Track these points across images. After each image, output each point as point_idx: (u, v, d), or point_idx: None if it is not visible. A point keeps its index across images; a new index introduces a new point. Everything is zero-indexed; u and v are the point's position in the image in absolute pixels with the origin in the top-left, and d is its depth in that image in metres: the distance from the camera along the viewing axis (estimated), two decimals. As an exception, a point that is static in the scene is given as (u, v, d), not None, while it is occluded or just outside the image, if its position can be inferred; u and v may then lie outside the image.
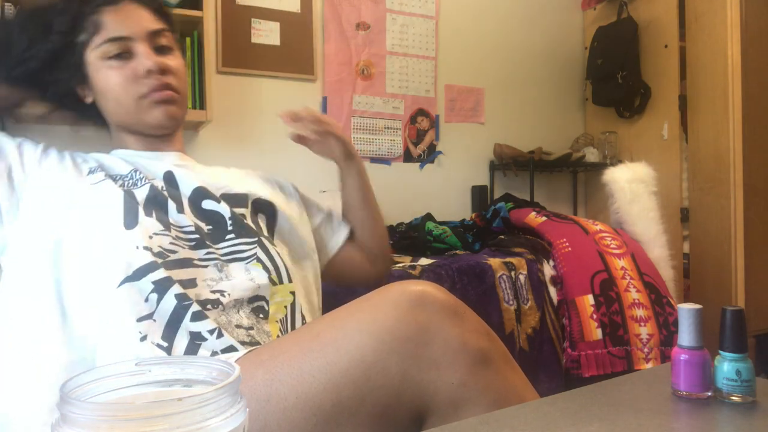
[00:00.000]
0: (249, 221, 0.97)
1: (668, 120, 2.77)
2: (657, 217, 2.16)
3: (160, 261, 0.82)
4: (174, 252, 0.85)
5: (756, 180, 2.53)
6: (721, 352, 0.65)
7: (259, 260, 0.92)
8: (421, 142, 2.73)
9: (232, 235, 0.92)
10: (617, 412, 0.61)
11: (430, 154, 2.76)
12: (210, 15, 2.09)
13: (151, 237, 0.83)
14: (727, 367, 0.64)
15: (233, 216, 0.93)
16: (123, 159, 0.95)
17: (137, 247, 0.82)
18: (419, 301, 0.67)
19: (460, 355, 0.66)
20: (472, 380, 0.66)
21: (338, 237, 1.17)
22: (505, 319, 1.81)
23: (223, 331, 0.81)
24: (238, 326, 0.85)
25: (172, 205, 0.89)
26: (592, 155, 2.93)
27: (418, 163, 2.74)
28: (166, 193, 0.91)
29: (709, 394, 0.65)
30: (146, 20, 0.94)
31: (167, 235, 0.85)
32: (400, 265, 1.85)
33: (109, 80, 0.91)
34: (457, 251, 2.14)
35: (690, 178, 2.71)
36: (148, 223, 0.84)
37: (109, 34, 0.90)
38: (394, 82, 2.66)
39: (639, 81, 2.84)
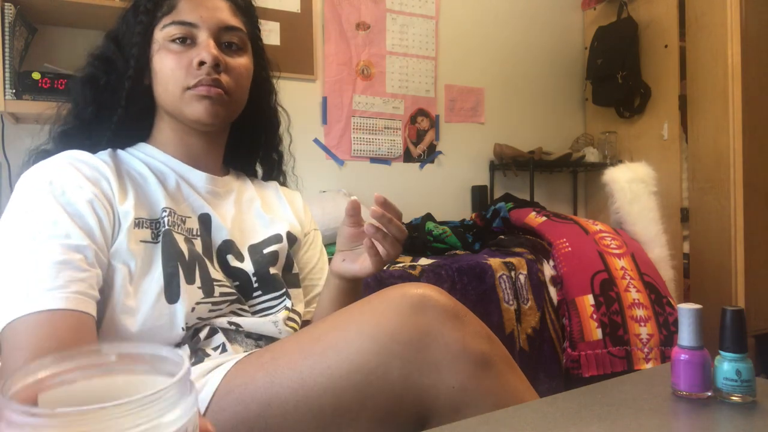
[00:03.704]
0: (277, 269, 0.93)
1: (668, 120, 2.77)
2: (657, 217, 2.16)
3: (193, 334, 0.81)
4: (209, 318, 0.83)
5: (756, 180, 2.53)
6: (721, 352, 0.65)
7: (286, 308, 0.91)
8: (421, 142, 2.73)
9: (259, 292, 0.89)
10: (617, 412, 0.61)
11: (430, 154, 2.76)
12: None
13: (193, 309, 0.79)
14: (727, 367, 0.64)
15: (258, 271, 0.90)
16: (157, 176, 0.88)
17: (181, 328, 0.78)
18: (420, 304, 0.67)
19: (461, 359, 0.66)
20: (473, 384, 0.66)
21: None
22: (505, 319, 1.81)
23: (228, 346, 0.82)
24: (248, 336, 0.85)
25: (207, 263, 0.84)
26: (592, 155, 2.93)
27: (418, 163, 2.74)
28: (200, 244, 0.86)
29: (709, 394, 0.65)
30: (221, 12, 0.88)
31: (208, 301, 0.81)
32: (400, 265, 1.85)
33: (164, 63, 0.85)
34: (457, 251, 2.14)
35: (690, 178, 2.71)
36: (191, 292, 0.79)
37: (177, 16, 0.86)
38: (394, 82, 2.66)
39: (639, 81, 2.84)
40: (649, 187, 2.19)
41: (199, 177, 0.91)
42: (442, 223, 2.31)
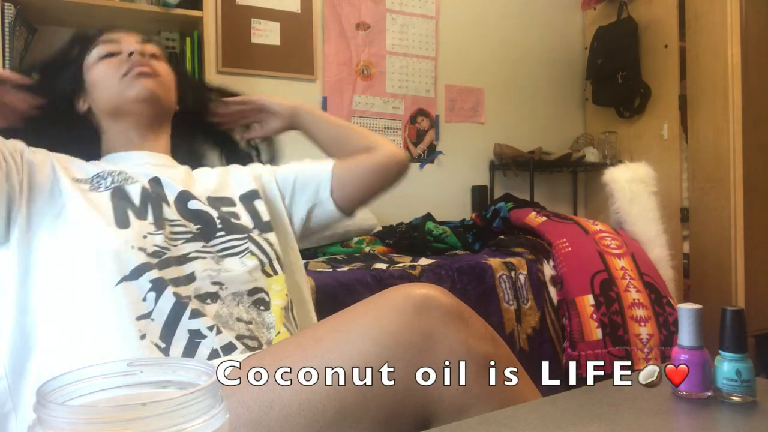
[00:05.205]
0: (241, 219, 0.97)
1: (668, 120, 2.77)
2: (657, 217, 2.16)
3: (154, 261, 0.82)
4: (168, 249, 0.85)
5: (756, 180, 2.53)
6: (721, 352, 0.65)
7: (252, 253, 0.93)
8: (421, 142, 2.74)
9: (222, 233, 0.93)
10: (617, 412, 0.61)
11: (430, 154, 2.76)
12: (210, 15, 2.10)
13: (145, 237, 0.84)
14: (727, 367, 0.64)
15: (221, 215, 0.95)
16: (110, 161, 0.98)
17: (132, 247, 0.82)
18: (423, 305, 0.67)
19: (465, 361, 0.66)
20: (477, 386, 0.66)
21: (324, 170, 1.10)
22: (505, 319, 1.81)
23: (222, 328, 0.82)
24: (239, 319, 0.85)
25: (162, 204, 0.91)
26: (592, 155, 2.93)
27: (418, 163, 2.74)
28: (154, 194, 0.92)
29: (709, 394, 0.65)
30: (136, 37, 1.04)
31: (160, 233, 0.86)
32: (400, 265, 1.85)
33: (99, 71, 0.98)
34: (457, 251, 2.14)
35: (690, 178, 2.71)
36: (141, 224, 0.86)
37: (104, 38, 1.01)
38: (394, 82, 2.66)
39: (639, 81, 2.84)
40: (649, 187, 2.19)
41: (141, 155, 0.99)
42: (442, 223, 2.31)
